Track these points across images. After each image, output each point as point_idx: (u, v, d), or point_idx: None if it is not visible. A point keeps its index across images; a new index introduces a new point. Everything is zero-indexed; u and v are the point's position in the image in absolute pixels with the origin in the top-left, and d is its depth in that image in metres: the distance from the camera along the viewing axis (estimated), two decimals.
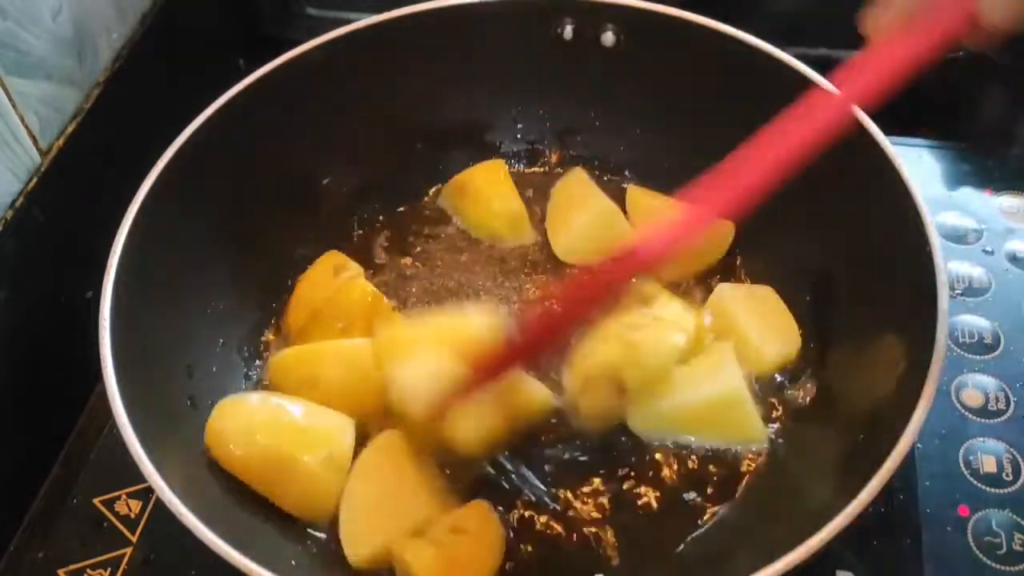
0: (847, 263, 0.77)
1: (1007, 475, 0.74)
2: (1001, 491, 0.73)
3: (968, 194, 0.93)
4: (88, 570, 0.74)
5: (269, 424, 0.72)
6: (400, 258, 0.90)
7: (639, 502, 0.74)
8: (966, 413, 0.78)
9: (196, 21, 1.04)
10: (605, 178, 0.93)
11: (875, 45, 0.61)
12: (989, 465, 0.75)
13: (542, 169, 0.96)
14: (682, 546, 0.71)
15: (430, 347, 0.73)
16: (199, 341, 0.79)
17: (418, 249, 0.91)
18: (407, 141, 0.92)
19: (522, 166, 0.96)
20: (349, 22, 0.84)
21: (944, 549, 0.71)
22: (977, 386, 0.79)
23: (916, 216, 0.69)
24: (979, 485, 0.74)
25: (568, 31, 0.87)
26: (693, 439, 0.76)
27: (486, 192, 0.90)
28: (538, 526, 0.73)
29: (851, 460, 0.67)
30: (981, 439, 0.76)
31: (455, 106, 0.92)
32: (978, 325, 0.83)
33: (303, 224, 0.88)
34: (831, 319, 0.78)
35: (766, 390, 0.79)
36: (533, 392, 0.76)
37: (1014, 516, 0.72)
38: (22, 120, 0.80)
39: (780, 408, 0.78)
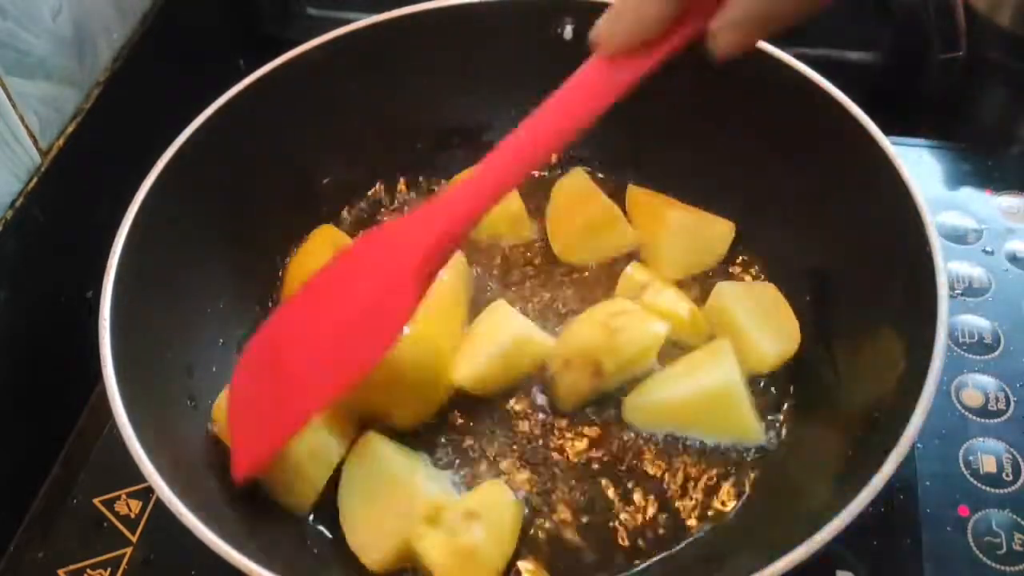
0: (847, 263, 0.77)
1: (1007, 475, 0.74)
2: (1001, 491, 0.73)
3: (968, 194, 0.93)
4: (88, 570, 0.74)
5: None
6: None
7: (639, 503, 0.74)
8: (966, 413, 0.78)
9: (196, 21, 1.04)
10: (605, 178, 0.93)
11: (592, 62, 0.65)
12: (989, 465, 0.75)
13: (542, 169, 0.96)
14: (682, 546, 0.71)
15: None
16: (199, 341, 0.79)
17: None
18: (407, 141, 0.92)
19: None
20: (349, 22, 0.84)
21: (944, 549, 0.71)
22: (977, 386, 0.79)
23: (916, 216, 0.68)
24: (979, 485, 0.74)
25: (568, 31, 0.87)
26: (688, 434, 0.76)
27: None
28: (533, 529, 0.73)
29: (851, 460, 0.67)
30: (981, 439, 0.76)
31: (455, 106, 0.92)
32: (978, 325, 0.83)
33: (303, 224, 0.88)
34: (831, 319, 0.78)
35: (765, 389, 0.79)
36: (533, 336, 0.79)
37: (1014, 516, 0.72)
38: (22, 120, 0.80)
39: (780, 408, 0.78)
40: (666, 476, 0.75)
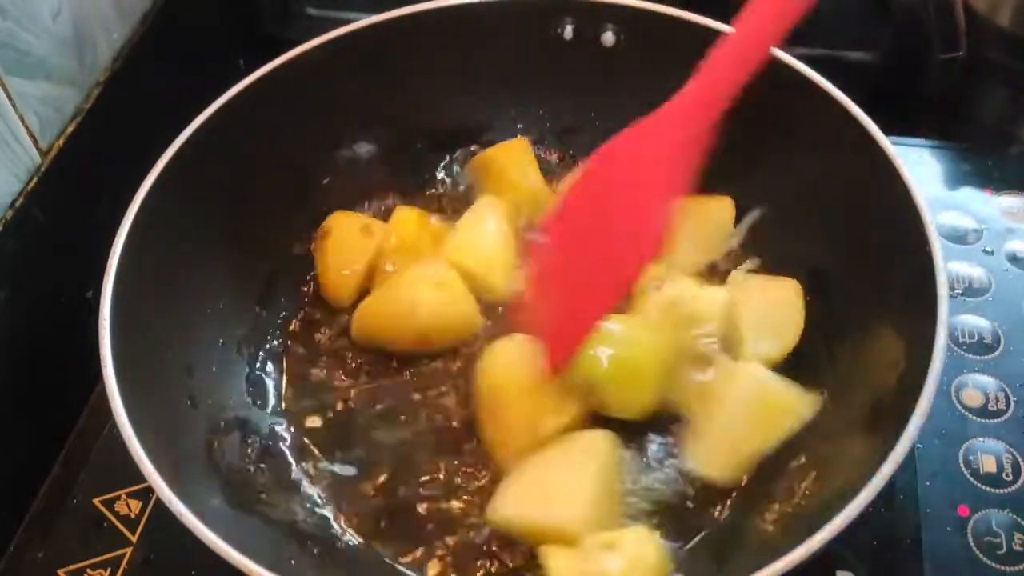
0: (847, 263, 0.77)
1: (1007, 475, 0.74)
2: (1001, 491, 0.73)
3: (968, 194, 0.93)
4: (88, 570, 0.74)
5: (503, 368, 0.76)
6: None
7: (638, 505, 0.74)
8: (966, 413, 0.78)
9: (196, 21, 1.04)
10: None
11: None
12: (989, 465, 0.75)
13: (544, 171, 0.96)
14: (682, 546, 0.71)
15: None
16: (199, 341, 0.79)
17: None
18: (407, 141, 0.92)
19: None
20: (349, 22, 0.84)
21: (944, 549, 0.71)
22: (977, 386, 0.79)
23: (916, 216, 0.68)
24: (979, 485, 0.74)
25: (568, 31, 0.87)
26: (768, 447, 0.72)
27: (509, 169, 0.90)
28: None
29: (851, 460, 0.67)
30: (981, 439, 0.76)
31: (455, 106, 0.92)
32: (978, 325, 0.83)
33: (303, 224, 0.88)
34: (831, 319, 0.78)
35: None
36: None
37: (1014, 516, 0.72)
38: (22, 120, 0.80)
39: None
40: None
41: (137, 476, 0.60)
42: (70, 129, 0.86)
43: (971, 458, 0.75)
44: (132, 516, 0.77)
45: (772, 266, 0.85)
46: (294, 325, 0.86)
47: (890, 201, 0.71)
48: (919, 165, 0.95)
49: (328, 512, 0.75)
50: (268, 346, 0.84)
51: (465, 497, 0.75)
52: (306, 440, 0.79)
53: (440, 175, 0.94)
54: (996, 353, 0.81)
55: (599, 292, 0.71)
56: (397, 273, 0.85)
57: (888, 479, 0.58)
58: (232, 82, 0.80)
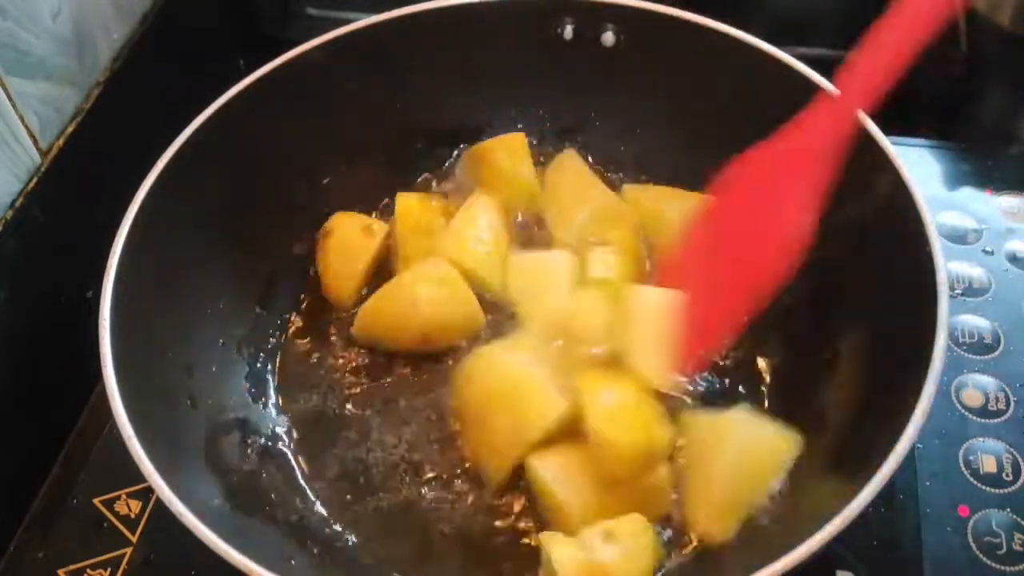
0: (847, 263, 0.77)
1: (1007, 475, 0.74)
2: (1001, 491, 0.73)
3: (968, 194, 0.93)
4: (88, 570, 0.74)
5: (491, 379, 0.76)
6: None
7: None
8: (966, 413, 0.78)
9: (196, 21, 1.04)
10: (604, 177, 0.93)
11: (866, 41, 0.64)
12: (989, 465, 0.75)
13: (542, 169, 0.96)
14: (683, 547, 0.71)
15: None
16: (199, 341, 0.79)
17: None
18: (407, 141, 0.92)
19: None
20: (349, 22, 0.84)
21: (944, 549, 0.71)
22: (977, 386, 0.79)
23: (916, 216, 0.69)
24: (979, 485, 0.74)
25: (568, 31, 0.87)
26: (766, 491, 0.71)
27: (503, 162, 0.90)
28: None
29: (851, 460, 0.67)
30: (981, 439, 0.76)
31: (455, 106, 0.92)
32: (978, 325, 0.83)
33: (303, 224, 0.88)
34: (830, 319, 0.78)
35: (765, 390, 0.79)
36: None
37: (1014, 516, 0.72)
38: (22, 120, 0.80)
39: (781, 408, 0.78)
40: None
41: (137, 476, 0.60)
42: (70, 129, 0.86)
43: (971, 458, 0.75)
44: (132, 516, 0.77)
45: None
46: (294, 325, 0.86)
47: (890, 201, 0.71)
48: (919, 165, 0.95)
49: (328, 512, 0.75)
50: (268, 346, 0.84)
51: (466, 497, 0.75)
52: (306, 440, 0.79)
53: (440, 175, 0.94)
54: (996, 353, 0.81)
55: (736, 297, 0.74)
56: (398, 272, 0.85)
57: (888, 479, 0.58)
58: (232, 82, 0.80)
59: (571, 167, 0.91)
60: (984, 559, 0.70)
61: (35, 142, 0.82)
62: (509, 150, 0.91)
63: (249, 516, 0.71)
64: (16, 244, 0.79)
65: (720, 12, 0.82)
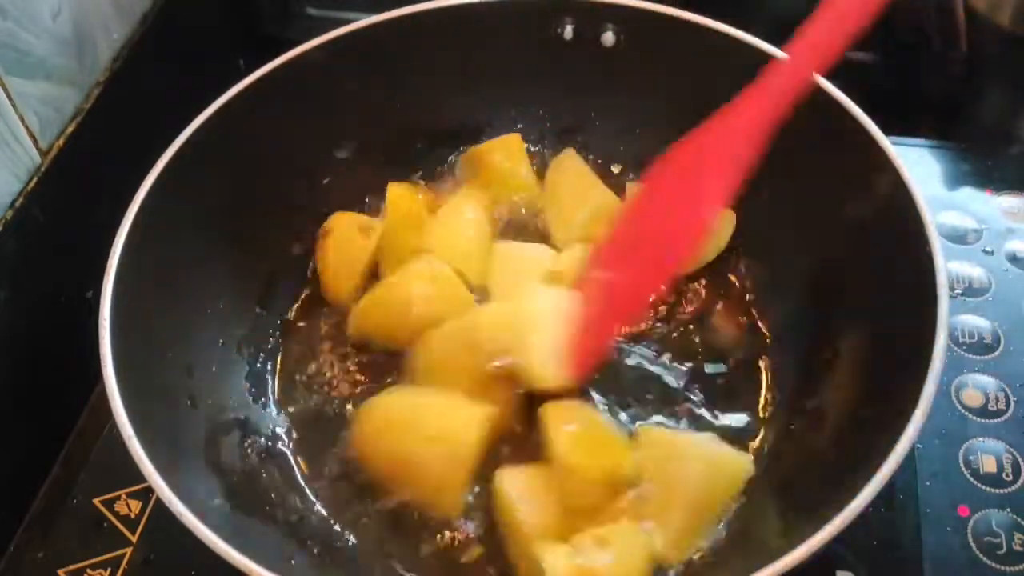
0: (847, 263, 0.77)
1: (1007, 475, 0.74)
2: (1001, 491, 0.73)
3: (968, 194, 0.93)
4: (88, 570, 0.74)
5: (399, 424, 0.75)
6: None
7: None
8: (966, 413, 0.78)
9: (196, 21, 1.04)
10: (604, 177, 0.93)
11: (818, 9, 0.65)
12: (989, 465, 0.75)
13: (542, 169, 0.96)
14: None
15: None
16: (199, 341, 0.79)
17: None
18: (407, 141, 0.92)
19: None
20: (349, 22, 0.84)
21: (944, 549, 0.71)
22: (977, 386, 0.79)
23: (916, 216, 0.69)
24: (979, 485, 0.74)
25: (568, 31, 0.87)
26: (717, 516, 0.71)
27: (501, 164, 0.90)
28: None
29: (851, 460, 0.67)
30: (981, 439, 0.76)
31: (455, 106, 0.92)
32: (978, 325, 0.83)
33: (303, 224, 0.88)
34: (830, 318, 0.78)
35: (765, 389, 0.79)
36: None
37: (1014, 516, 0.72)
38: (22, 120, 0.80)
39: (780, 407, 0.78)
40: None
41: (137, 476, 0.60)
42: (70, 129, 0.86)
43: (971, 458, 0.75)
44: (132, 516, 0.77)
45: (771, 266, 0.85)
46: (294, 325, 0.86)
47: (890, 201, 0.71)
48: (919, 165, 0.95)
49: (328, 512, 0.75)
50: (268, 346, 0.84)
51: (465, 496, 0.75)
52: (306, 440, 0.79)
53: (438, 176, 0.94)
54: (996, 353, 0.81)
55: (631, 295, 0.74)
56: (391, 271, 0.85)
57: (888, 479, 0.58)
58: (232, 82, 0.80)
59: (571, 167, 0.91)
60: (984, 559, 0.70)
61: (35, 142, 0.82)
62: (507, 151, 0.91)
63: (249, 516, 0.71)
64: (16, 244, 0.79)
65: (720, 12, 0.82)
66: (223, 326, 0.81)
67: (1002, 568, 0.70)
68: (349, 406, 0.81)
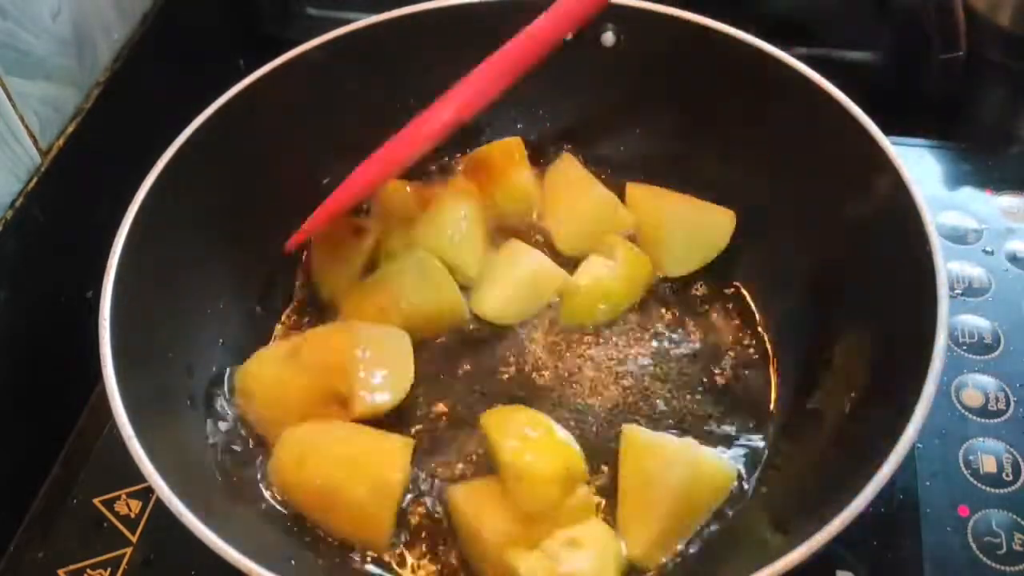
0: (847, 263, 0.77)
1: (1007, 475, 0.74)
2: (1001, 491, 0.73)
3: (968, 194, 0.93)
4: (88, 570, 0.74)
5: (321, 455, 0.72)
6: None
7: None
8: (966, 413, 0.78)
9: (196, 21, 1.04)
10: (604, 177, 0.93)
11: None
12: (989, 465, 0.75)
13: (542, 169, 0.96)
14: (683, 546, 0.71)
15: None
16: (199, 341, 0.79)
17: None
18: None
19: None
20: (349, 22, 0.84)
21: (944, 549, 0.71)
22: (977, 386, 0.79)
23: (916, 216, 0.68)
24: (979, 485, 0.74)
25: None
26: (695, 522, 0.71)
27: (501, 166, 0.90)
28: None
29: (851, 460, 0.67)
30: (981, 439, 0.76)
31: None
32: (978, 325, 0.83)
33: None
34: (830, 318, 0.78)
35: (765, 388, 0.79)
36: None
37: (1014, 516, 0.72)
38: (22, 120, 0.80)
39: (780, 407, 0.78)
40: None
41: (137, 476, 0.60)
42: (70, 129, 0.86)
43: (971, 458, 0.75)
44: (132, 516, 0.77)
45: (772, 266, 0.85)
46: (294, 324, 0.86)
47: (890, 201, 0.71)
48: (919, 165, 0.95)
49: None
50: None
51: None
52: None
53: (439, 180, 0.94)
54: (996, 353, 0.81)
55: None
56: (382, 267, 0.86)
57: (888, 479, 0.58)
58: (232, 82, 0.80)
59: (570, 170, 0.91)
60: (984, 559, 0.70)
61: (35, 142, 0.82)
62: (506, 154, 0.91)
63: (249, 516, 0.71)
64: (16, 244, 0.79)
65: (720, 12, 0.82)
66: (223, 326, 0.81)
67: (1002, 568, 0.70)
68: None
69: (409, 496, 0.74)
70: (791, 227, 0.82)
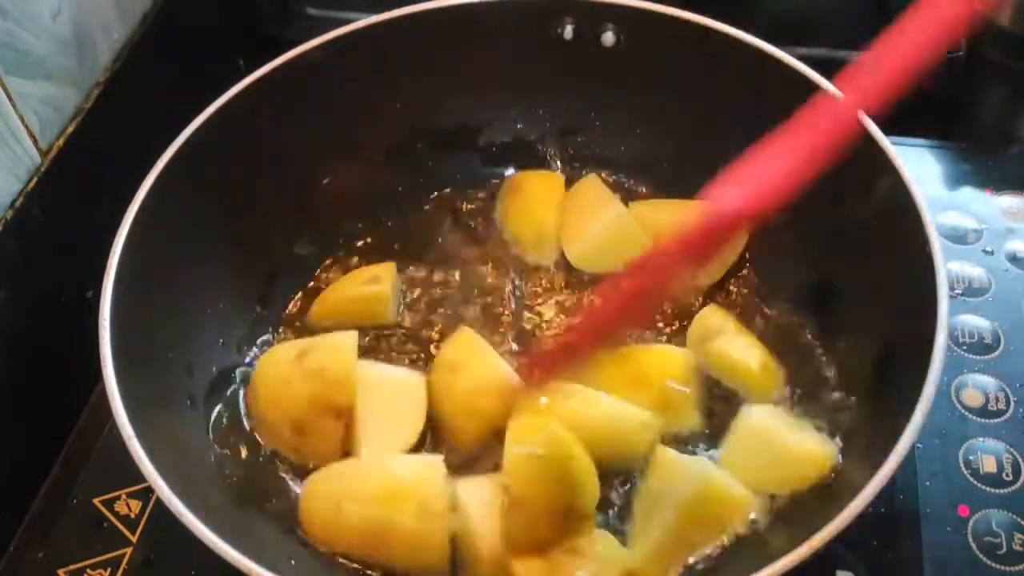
0: (847, 263, 0.77)
1: (1007, 475, 0.74)
2: (1001, 491, 0.73)
3: (968, 194, 0.93)
4: (88, 570, 0.74)
5: (357, 497, 0.69)
6: (402, 255, 0.90)
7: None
8: (966, 413, 0.78)
9: (196, 21, 1.04)
10: (604, 177, 0.93)
11: (879, 44, 0.59)
12: (989, 465, 0.75)
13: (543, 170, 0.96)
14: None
15: None
16: (199, 341, 0.79)
17: (420, 248, 0.91)
18: (407, 141, 0.92)
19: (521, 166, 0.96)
20: (349, 22, 0.84)
21: (944, 549, 0.71)
22: (977, 386, 0.79)
23: (916, 216, 0.68)
24: (979, 485, 0.74)
25: (568, 31, 0.87)
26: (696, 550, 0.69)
27: (534, 198, 0.90)
28: None
29: (851, 461, 0.67)
30: (981, 439, 0.76)
31: (455, 106, 0.92)
32: (978, 325, 0.83)
33: (303, 224, 0.88)
34: (831, 318, 0.78)
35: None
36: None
37: (1014, 516, 0.72)
38: (22, 120, 0.80)
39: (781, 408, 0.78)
40: None
41: (137, 476, 0.60)
42: (70, 129, 0.86)
43: (971, 458, 0.75)
44: (132, 516, 0.77)
45: (772, 266, 0.85)
46: (294, 325, 0.86)
47: (890, 201, 0.71)
48: (919, 165, 0.95)
49: None
50: (268, 346, 0.84)
51: None
52: None
53: (439, 176, 0.94)
54: (996, 353, 0.81)
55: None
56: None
57: (888, 479, 0.58)
58: (232, 82, 0.80)
59: (591, 191, 0.90)
60: (984, 559, 0.70)
61: (35, 142, 0.82)
62: (542, 187, 0.91)
63: (249, 516, 0.71)
64: (16, 244, 0.79)
65: (720, 12, 0.82)
66: (223, 326, 0.81)
67: (1002, 568, 0.70)
68: None
69: None
70: (791, 227, 0.82)
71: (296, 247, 0.88)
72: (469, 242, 0.91)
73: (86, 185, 0.87)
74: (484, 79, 0.90)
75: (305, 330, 0.85)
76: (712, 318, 0.80)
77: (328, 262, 0.90)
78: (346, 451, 0.74)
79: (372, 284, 0.85)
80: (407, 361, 0.83)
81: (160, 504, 0.60)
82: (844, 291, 0.78)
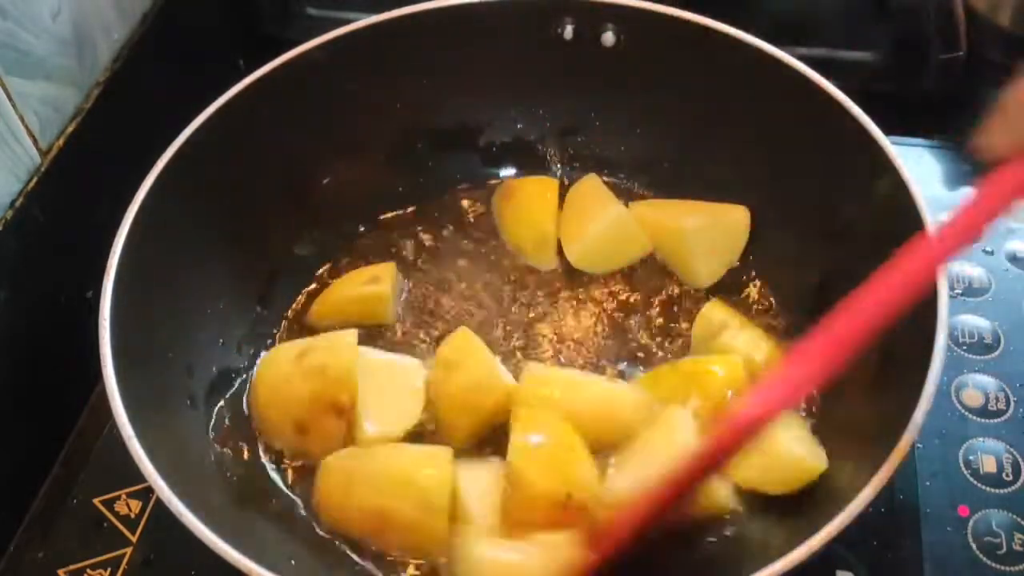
0: (847, 263, 0.77)
1: (1007, 475, 0.74)
2: (1001, 491, 0.73)
3: (968, 194, 0.93)
4: (88, 570, 0.74)
5: (367, 481, 0.71)
6: (402, 255, 0.90)
7: None
8: (966, 413, 0.78)
9: (196, 21, 1.04)
10: (604, 178, 0.93)
11: (980, 187, 0.59)
12: (989, 465, 0.75)
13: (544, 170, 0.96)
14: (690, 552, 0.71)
15: None
16: (199, 341, 0.79)
17: (418, 248, 0.91)
18: (407, 141, 0.92)
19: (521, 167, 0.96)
20: (349, 22, 0.84)
21: (944, 549, 0.71)
22: (977, 386, 0.79)
23: (916, 216, 0.68)
24: (979, 485, 0.74)
25: (568, 31, 0.87)
26: None
27: (529, 203, 0.90)
28: None
29: (851, 461, 0.67)
30: (981, 439, 0.76)
31: (455, 106, 0.92)
32: (978, 325, 0.83)
33: (303, 224, 0.88)
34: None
35: None
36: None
37: (1014, 516, 0.72)
38: (22, 120, 0.80)
39: None
40: None
41: (137, 476, 0.60)
42: (70, 129, 0.86)
43: (971, 458, 0.75)
44: (132, 516, 0.77)
45: (772, 267, 0.85)
46: (294, 325, 0.86)
47: (890, 201, 0.71)
48: (919, 165, 0.95)
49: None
50: (268, 346, 0.84)
51: None
52: None
53: (439, 176, 0.94)
54: (996, 353, 0.81)
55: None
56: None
57: (888, 479, 0.58)
58: (232, 82, 0.80)
59: (590, 191, 0.90)
60: (984, 559, 0.70)
61: (35, 142, 0.82)
62: (538, 192, 0.90)
63: (249, 515, 0.71)
64: (16, 244, 0.79)
65: (720, 12, 0.82)
66: (223, 326, 0.81)
67: (1002, 568, 0.70)
68: None
69: None
70: (790, 227, 0.82)
71: (296, 247, 0.88)
72: (469, 242, 0.91)
73: (86, 185, 0.87)
74: (484, 79, 0.90)
75: (305, 330, 0.85)
76: (716, 314, 0.81)
77: (328, 262, 0.90)
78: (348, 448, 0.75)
79: (372, 284, 0.85)
80: None
81: (160, 504, 0.60)
82: (844, 291, 0.78)
